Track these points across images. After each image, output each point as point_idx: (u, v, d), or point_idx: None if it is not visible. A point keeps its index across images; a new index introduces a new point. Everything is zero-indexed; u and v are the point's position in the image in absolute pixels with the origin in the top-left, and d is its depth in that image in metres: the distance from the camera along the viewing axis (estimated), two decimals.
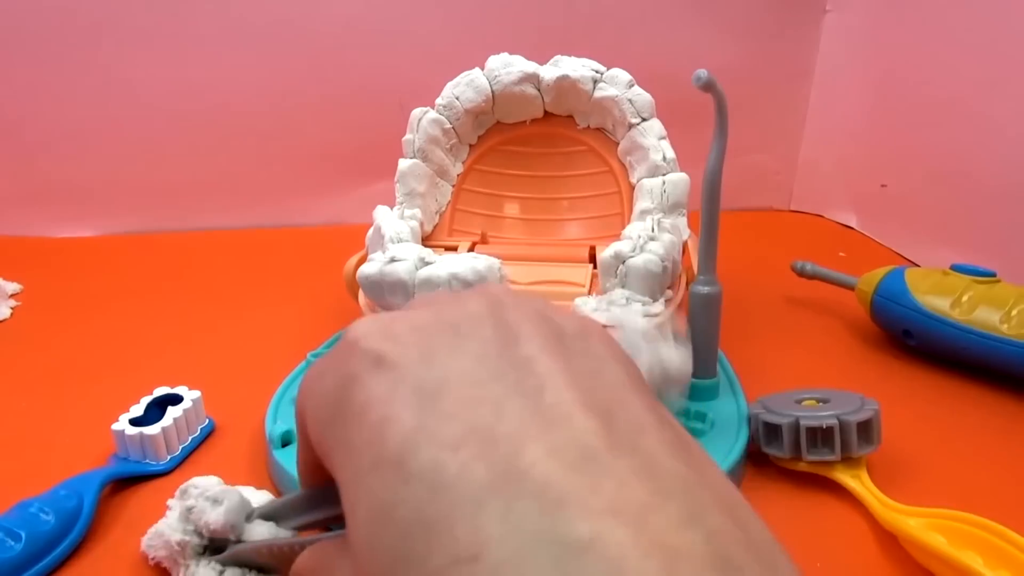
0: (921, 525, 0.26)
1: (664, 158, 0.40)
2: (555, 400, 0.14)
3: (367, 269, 0.34)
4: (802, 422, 0.30)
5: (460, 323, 0.16)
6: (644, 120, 0.41)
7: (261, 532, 0.23)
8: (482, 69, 0.42)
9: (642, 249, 0.34)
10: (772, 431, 0.31)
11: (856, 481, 0.29)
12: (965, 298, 0.38)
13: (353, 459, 0.14)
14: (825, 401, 0.31)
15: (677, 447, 0.13)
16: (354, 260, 0.41)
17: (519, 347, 0.15)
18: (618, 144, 0.42)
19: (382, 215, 0.40)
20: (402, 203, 0.41)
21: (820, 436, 0.30)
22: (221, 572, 0.24)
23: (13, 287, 0.54)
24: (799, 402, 0.32)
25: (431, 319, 0.16)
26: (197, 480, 0.26)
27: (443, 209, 0.44)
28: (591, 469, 0.12)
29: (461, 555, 0.11)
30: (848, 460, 0.30)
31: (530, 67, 0.42)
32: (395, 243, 0.36)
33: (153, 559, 0.25)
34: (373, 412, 0.14)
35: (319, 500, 0.21)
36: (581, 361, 0.15)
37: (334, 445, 0.15)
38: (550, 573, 0.11)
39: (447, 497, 0.12)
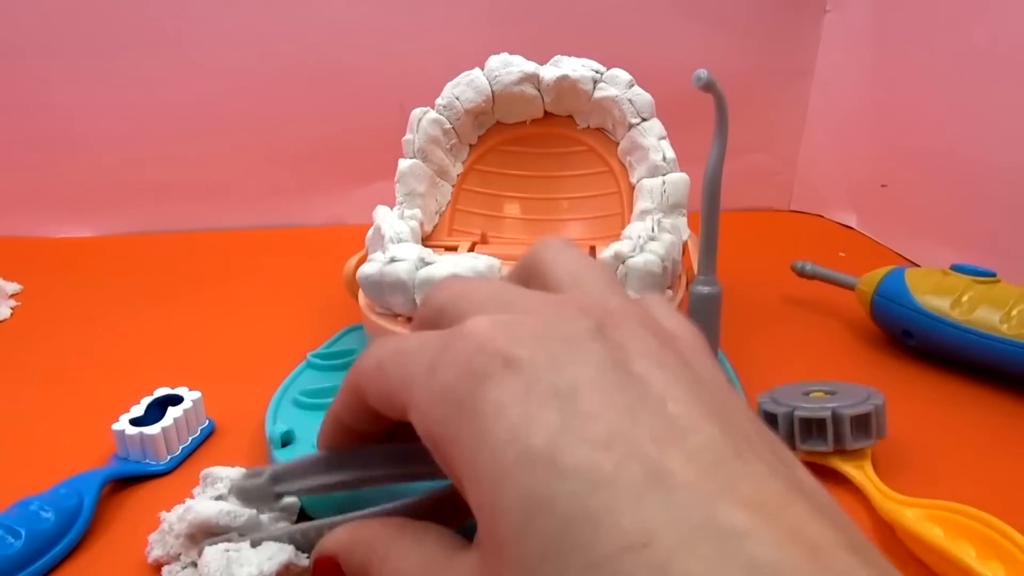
0: (918, 516, 0.26)
1: (664, 158, 0.40)
2: (678, 411, 0.14)
3: (367, 269, 0.34)
4: (796, 413, 0.30)
5: (572, 337, 0.16)
6: (644, 120, 0.41)
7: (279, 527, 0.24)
8: (482, 69, 0.42)
9: (642, 249, 0.34)
10: (770, 421, 0.31)
11: (859, 472, 0.30)
12: (965, 298, 0.38)
13: (487, 454, 0.14)
14: (832, 393, 0.32)
15: (777, 448, 0.15)
16: (354, 260, 0.41)
17: (631, 364, 0.15)
18: (618, 144, 0.42)
19: (382, 215, 0.40)
20: (402, 203, 0.41)
21: (816, 427, 0.30)
22: (226, 551, 0.23)
23: (13, 287, 0.54)
24: (807, 394, 0.32)
25: (544, 329, 0.16)
26: (217, 469, 0.27)
27: (443, 209, 0.44)
28: (726, 471, 0.13)
29: (631, 543, 0.12)
30: (846, 452, 0.30)
31: (530, 67, 0.42)
32: (395, 243, 0.36)
33: (154, 558, 0.25)
34: (511, 410, 0.14)
35: (338, 463, 0.22)
36: (688, 371, 0.16)
37: (458, 437, 0.15)
38: (718, 556, 0.12)
39: (608, 491, 0.13)
